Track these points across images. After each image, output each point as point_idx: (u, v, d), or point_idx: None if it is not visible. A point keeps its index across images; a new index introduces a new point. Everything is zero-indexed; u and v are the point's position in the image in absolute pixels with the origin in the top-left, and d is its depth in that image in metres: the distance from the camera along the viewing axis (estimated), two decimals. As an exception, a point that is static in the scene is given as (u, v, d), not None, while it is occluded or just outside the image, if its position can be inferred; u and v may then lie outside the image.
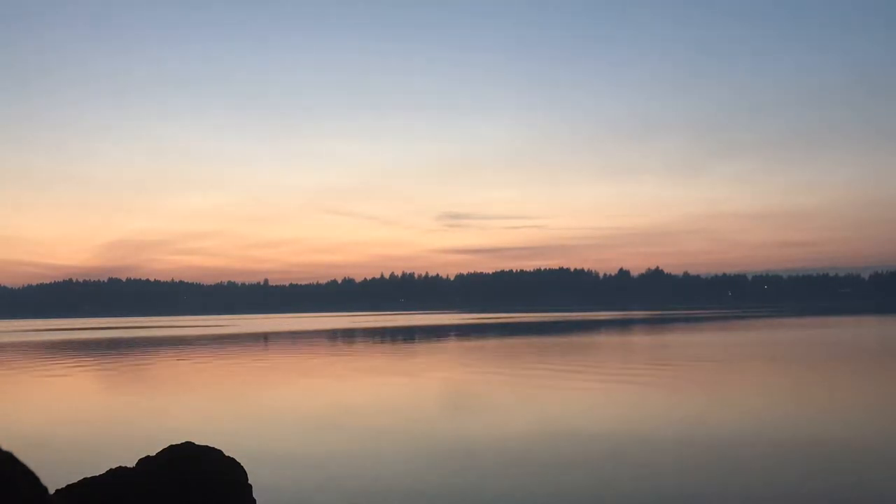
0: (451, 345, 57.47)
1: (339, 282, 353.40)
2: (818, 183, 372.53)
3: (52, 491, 7.54)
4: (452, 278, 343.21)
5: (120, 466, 8.06)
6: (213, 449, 8.43)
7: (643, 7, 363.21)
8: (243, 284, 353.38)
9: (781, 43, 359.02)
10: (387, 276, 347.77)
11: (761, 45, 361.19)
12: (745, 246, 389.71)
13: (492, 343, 58.80)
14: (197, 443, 8.50)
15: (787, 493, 12.27)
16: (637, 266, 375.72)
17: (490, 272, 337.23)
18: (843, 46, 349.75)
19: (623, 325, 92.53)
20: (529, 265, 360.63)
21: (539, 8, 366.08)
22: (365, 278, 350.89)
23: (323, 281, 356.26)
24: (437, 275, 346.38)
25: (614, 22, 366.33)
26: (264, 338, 74.47)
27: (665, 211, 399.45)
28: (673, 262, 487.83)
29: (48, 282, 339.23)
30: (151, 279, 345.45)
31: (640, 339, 61.41)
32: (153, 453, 8.29)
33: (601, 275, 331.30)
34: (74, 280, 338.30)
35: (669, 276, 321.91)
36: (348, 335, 77.43)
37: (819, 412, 20.59)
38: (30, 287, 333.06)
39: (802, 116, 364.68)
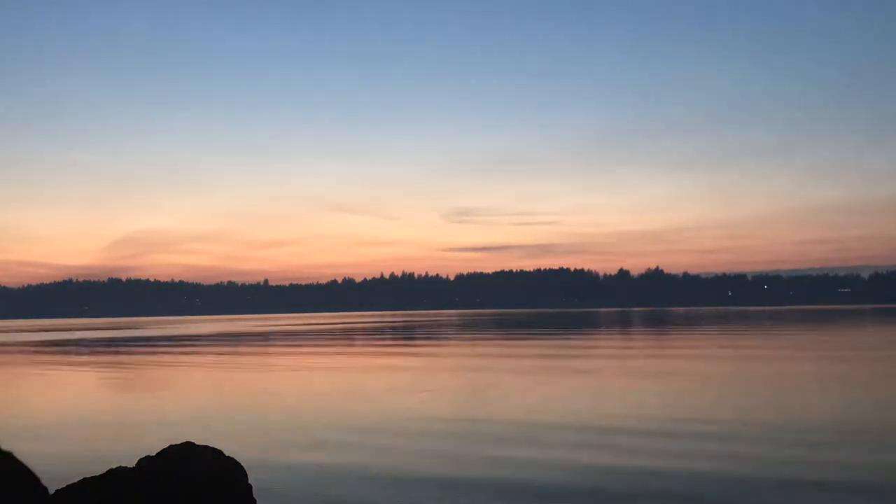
0: (448, 342, 57.58)
1: (339, 282, 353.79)
2: (817, 183, 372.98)
3: (52, 491, 7.54)
4: (453, 278, 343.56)
5: (120, 466, 8.06)
6: (213, 449, 8.44)
7: (640, 10, 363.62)
8: (243, 284, 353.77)
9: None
10: (387, 276, 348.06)
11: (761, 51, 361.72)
12: (745, 246, 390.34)
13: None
14: (197, 443, 8.50)
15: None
16: (637, 266, 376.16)
17: (490, 272, 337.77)
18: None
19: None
20: (532, 264, 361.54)
21: (546, 7, 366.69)
22: (365, 278, 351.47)
23: (323, 281, 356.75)
24: (437, 275, 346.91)
25: (615, 25, 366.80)
26: (264, 338, 74.46)
27: (666, 211, 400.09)
28: (673, 262, 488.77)
29: (48, 282, 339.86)
30: (152, 279, 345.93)
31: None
32: (153, 453, 8.29)
33: (601, 274, 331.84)
34: (75, 280, 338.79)
35: (669, 276, 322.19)
36: (347, 335, 77.45)
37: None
38: (30, 287, 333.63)
39: (798, 118, 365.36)
